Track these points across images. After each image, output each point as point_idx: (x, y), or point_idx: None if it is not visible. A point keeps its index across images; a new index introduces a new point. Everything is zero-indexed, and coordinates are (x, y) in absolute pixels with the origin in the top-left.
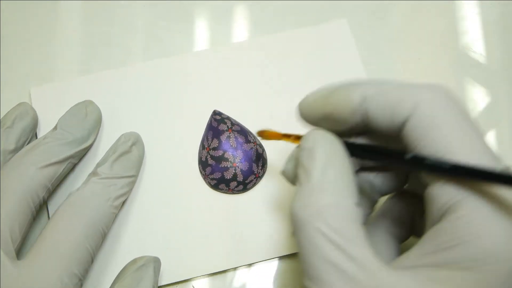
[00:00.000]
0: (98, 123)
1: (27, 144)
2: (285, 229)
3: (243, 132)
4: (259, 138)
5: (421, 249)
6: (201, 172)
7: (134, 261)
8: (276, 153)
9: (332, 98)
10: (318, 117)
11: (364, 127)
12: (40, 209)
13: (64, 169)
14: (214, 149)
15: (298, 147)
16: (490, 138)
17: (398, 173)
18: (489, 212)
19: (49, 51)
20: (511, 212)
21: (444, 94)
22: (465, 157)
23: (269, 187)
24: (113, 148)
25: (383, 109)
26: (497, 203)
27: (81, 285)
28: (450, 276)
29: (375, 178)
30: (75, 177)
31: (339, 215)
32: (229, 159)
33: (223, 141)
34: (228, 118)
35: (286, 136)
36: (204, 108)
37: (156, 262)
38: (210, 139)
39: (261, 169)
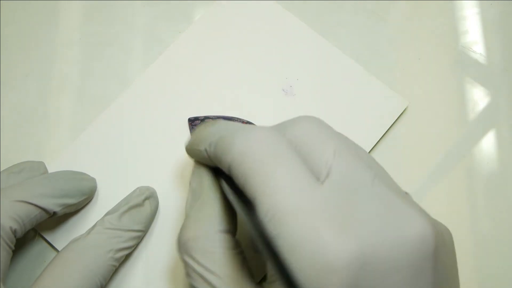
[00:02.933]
0: (92, 191)
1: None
2: None
3: (228, 119)
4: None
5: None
6: None
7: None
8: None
9: (192, 146)
10: (192, 158)
11: None
12: (17, 243)
13: (38, 214)
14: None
15: None
16: (490, 138)
17: None
18: None
19: (49, 51)
20: None
21: (263, 140)
22: (265, 204)
23: None
24: (126, 200)
25: (217, 161)
26: None
27: None
28: None
29: None
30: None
31: (200, 246)
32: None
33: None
34: (207, 116)
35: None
36: (177, 122)
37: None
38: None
39: None
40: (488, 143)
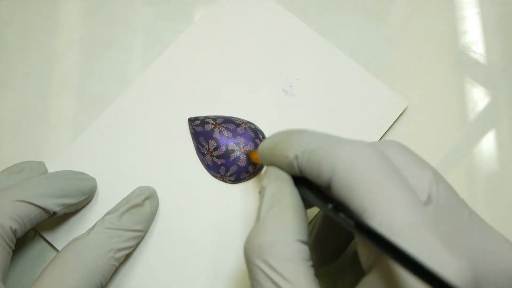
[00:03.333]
0: (92, 191)
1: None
2: None
3: (228, 120)
4: (248, 157)
5: None
6: (216, 177)
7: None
8: (266, 126)
9: (274, 151)
10: (270, 163)
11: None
12: (17, 243)
13: (38, 214)
14: (215, 149)
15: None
16: (490, 138)
17: None
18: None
19: (49, 51)
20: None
21: (368, 154)
22: (378, 216)
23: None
24: (126, 199)
25: (310, 169)
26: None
27: None
28: None
29: None
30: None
31: (278, 253)
32: (235, 148)
33: (218, 138)
34: (207, 116)
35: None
36: (177, 122)
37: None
38: (205, 143)
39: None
40: (488, 143)
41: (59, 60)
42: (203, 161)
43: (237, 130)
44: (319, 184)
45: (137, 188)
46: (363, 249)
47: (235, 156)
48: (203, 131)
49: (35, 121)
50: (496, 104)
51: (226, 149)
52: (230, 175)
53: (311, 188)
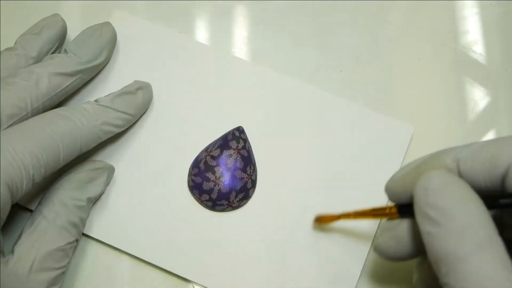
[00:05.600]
0: (112, 42)
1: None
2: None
3: (246, 160)
4: (316, 224)
5: None
6: (189, 170)
7: (93, 161)
8: (267, 193)
9: (423, 167)
10: (411, 190)
11: None
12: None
13: (72, 83)
14: (212, 157)
15: (395, 211)
16: (490, 138)
17: None
18: None
19: None
20: None
21: None
22: None
23: (240, 221)
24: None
25: (478, 168)
26: None
27: (41, 175)
28: None
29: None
30: None
31: (497, 249)
32: (216, 173)
33: (223, 156)
34: (245, 140)
35: (345, 215)
36: (230, 119)
37: (111, 170)
38: (215, 146)
39: (237, 201)
40: None
41: None
42: (201, 153)
43: (236, 172)
44: (484, 188)
45: (134, 80)
46: None
47: (208, 177)
48: (228, 141)
49: None
50: (496, 104)
51: (214, 166)
52: (192, 180)
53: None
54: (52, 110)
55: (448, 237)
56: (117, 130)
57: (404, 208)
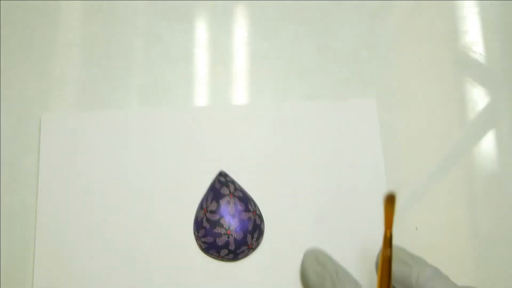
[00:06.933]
0: None
1: None
2: None
3: (244, 199)
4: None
5: None
6: (194, 233)
7: None
8: (275, 225)
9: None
10: None
11: None
12: None
13: None
14: (212, 212)
15: None
16: (490, 138)
17: None
18: None
19: (49, 51)
20: None
21: None
22: None
23: (261, 260)
24: None
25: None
26: None
27: None
28: None
29: None
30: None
31: None
32: (224, 225)
33: (222, 206)
34: (233, 182)
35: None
36: (209, 165)
37: None
38: (209, 200)
39: (255, 241)
40: (488, 143)
41: (58, 59)
42: (197, 212)
43: (242, 214)
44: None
45: None
46: None
47: (219, 231)
48: (218, 189)
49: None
50: (496, 104)
51: (219, 220)
52: (203, 242)
53: None
54: None
55: None
56: None
57: None
